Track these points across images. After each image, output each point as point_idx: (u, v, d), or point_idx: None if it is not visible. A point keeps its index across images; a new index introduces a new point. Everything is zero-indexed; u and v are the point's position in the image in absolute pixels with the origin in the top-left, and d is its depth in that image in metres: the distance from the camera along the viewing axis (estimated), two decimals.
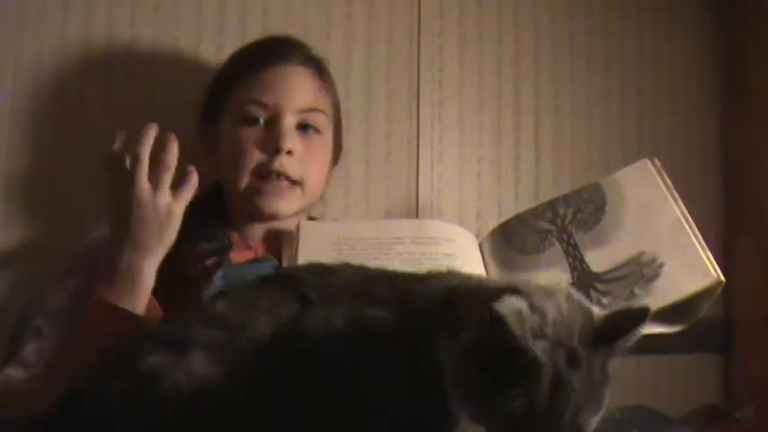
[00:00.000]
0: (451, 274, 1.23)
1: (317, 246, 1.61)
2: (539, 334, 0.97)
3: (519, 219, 1.65)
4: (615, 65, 2.34)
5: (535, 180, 2.25)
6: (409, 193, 2.14)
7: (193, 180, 1.47)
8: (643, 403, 2.12)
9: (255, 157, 1.67)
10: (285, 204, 1.69)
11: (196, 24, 1.99)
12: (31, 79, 1.88)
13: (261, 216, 1.71)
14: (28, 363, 1.62)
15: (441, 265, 1.53)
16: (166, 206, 1.44)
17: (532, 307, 1.00)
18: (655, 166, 1.59)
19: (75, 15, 1.91)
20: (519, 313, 0.97)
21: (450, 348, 1.04)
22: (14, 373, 1.61)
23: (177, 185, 1.46)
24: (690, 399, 2.33)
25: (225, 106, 1.72)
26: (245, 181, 1.67)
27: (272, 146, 1.66)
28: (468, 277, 1.24)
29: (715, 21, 2.46)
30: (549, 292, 1.04)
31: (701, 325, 1.50)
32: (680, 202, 1.53)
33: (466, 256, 1.61)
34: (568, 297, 1.05)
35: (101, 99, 1.92)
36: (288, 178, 1.67)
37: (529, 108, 2.25)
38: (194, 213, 1.72)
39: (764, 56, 2.36)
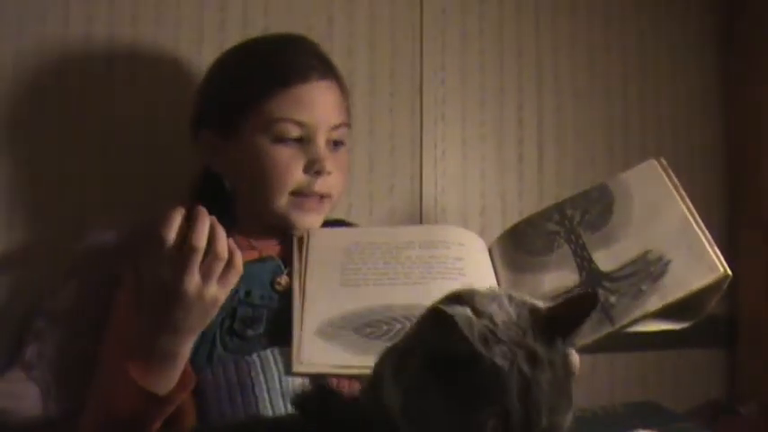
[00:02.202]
0: None
1: (328, 251, 1.62)
2: (492, 339, 0.95)
3: (527, 222, 1.67)
4: (617, 61, 2.35)
5: (538, 177, 2.25)
6: (413, 191, 2.14)
7: (239, 264, 1.41)
8: (648, 399, 2.13)
9: (295, 177, 1.64)
10: (319, 219, 1.70)
11: (197, 24, 1.98)
12: (32, 80, 1.87)
13: (292, 230, 1.70)
14: (29, 365, 1.63)
15: (451, 268, 1.55)
16: (213, 297, 1.38)
17: (477, 312, 0.97)
18: (661, 165, 1.60)
19: (77, 15, 1.90)
20: (467, 318, 0.95)
21: (399, 383, 1.01)
22: (15, 375, 1.62)
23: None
24: (694, 394, 2.35)
25: (245, 115, 1.67)
26: (283, 199, 1.66)
27: (314, 168, 1.64)
28: None
29: (718, 15, 2.46)
30: (491, 296, 1.02)
31: (706, 321, 1.51)
32: (687, 199, 1.54)
33: (475, 260, 1.62)
34: (510, 297, 1.02)
35: (102, 99, 1.91)
36: (323, 195, 1.68)
37: (531, 105, 2.25)
38: None
39: (766, 53, 2.36)
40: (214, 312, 1.40)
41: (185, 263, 1.34)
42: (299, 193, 1.66)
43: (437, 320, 0.95)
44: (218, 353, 1.51)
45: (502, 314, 0.98)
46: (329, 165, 1.65)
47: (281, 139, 1.65)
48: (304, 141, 1.66)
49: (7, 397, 1.61)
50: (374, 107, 2.12)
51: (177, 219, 1.36)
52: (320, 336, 1.48)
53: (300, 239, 1.66)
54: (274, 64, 1.70)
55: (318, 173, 1.65)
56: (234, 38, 1.89)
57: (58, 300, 1.71)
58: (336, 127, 1.69)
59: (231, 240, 1.40)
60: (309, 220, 1.68)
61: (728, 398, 2.37)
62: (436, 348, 0.95)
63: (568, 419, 0.98)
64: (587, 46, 2.31)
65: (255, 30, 1.94)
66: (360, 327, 1.48)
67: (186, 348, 1.41)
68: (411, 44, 2.15)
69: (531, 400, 0.93)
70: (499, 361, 0.93)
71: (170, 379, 1.40)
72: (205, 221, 1.36)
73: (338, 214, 1.97)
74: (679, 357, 2.34)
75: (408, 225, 2.06)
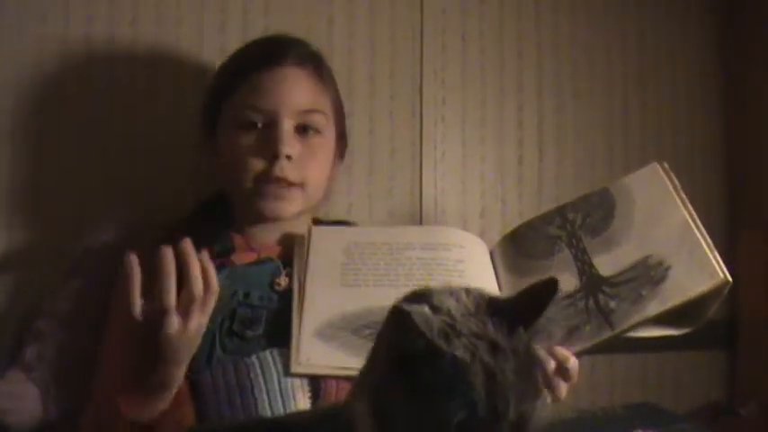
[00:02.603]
0: None
1: (328, 251, 1.62)
2: (452, 333, 0.94)
3: (529, 225, 1.67)
4: (618, 61, 2.33)
5: (538, 178, 2.24)
6: (413, 192, 2.13)
7: (215, 286, 1.36)
8: (648, 400, 2.13)
9: (255, 162, 1.64)
10: (287, 206, 1.67)
11: (197, 24, 1.97)
12: (33, 81, 1.87)
13: (264, 218, 1.69)
14: (29, 365, 1.63)
15: (451, 270, 1.55)
16: (196, 329, 1.35)
17: (434, 308, 0.97)
18: (663, 168, 1.59)
19: (77, 16, 1.90)
20: (423, 314, 0.95)
21: (367, 392, 1.01)
22: (15, 376, 1.62)
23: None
24: (694, 396, 2.34)
25: (222, 111, 1.70)
26: (246, 186, 1.65)
27: (271, 151, 1.64)
28: None
29: (718, 15, 2.45)
30: (448, 291, 1.01)
31: (706, 322, 1.50)
32: (688, 204, 1.53)
33: (476, 262, 1.62)
34: (467, 291, 1.02)
35: (103, 100, 1.91)
36: (288, 182, 1.66)
37: (531, 106, 2.24)
38: (198, 216, 1.73)
39: (766, 53, 2.36)
40: (199, 339, 1.38)
41: (161, 316, 1.31)
42: (260, 179, 1.65)
43: (394, 318, 0.96)
44: (217, 354, 1.51)
45: (460, 308, 0.98)
46: (288, 149, 1.64)
47: (244, 127, 1.66)
48: (268, 128, 1.66)
49: (7, 397, 1.61)
50: (374, 108, 2.11)
51: (137, 275, 1.32)
52: (319, 337, 1.48)
53: (302, 240, 1.66)
54: (243, 57, 1.73)
55: (275, 156, 1.63)
56: (234, 39, 1.90)
57: (58, 300, 1.71)
58: (307, 112, 1.68)
59: (205, 257, 1.36)
60: (274, 208, 1.67)
61: (728, 399, 2.37)
62: (397, 347, 0.96)
63: (537, 407, 0.97)
64: (587, 46, 2.30)
65: (256, 31, 1.93)
66: (359, 328, 1.48)
67: (177, 376, 1.39)
68: (411, 45, 2.15)
69: (497, 390, 0.92)
70: (460, 354, 0.92)
71: (162, 404, 1.39)
72: (169, 274, 1.31)
73: (338, 215, 1.98)
74: (679, 359, 2.33)
75: (408, 225, 2.06)
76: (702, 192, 2.33)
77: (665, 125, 2.37)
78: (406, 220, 2.11)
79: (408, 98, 2.14)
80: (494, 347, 0.94)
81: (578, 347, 1.43)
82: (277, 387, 1.48)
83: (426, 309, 0.97)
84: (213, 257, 1.60)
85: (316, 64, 1.74)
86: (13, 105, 1.86)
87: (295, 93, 1.68)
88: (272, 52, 1.70)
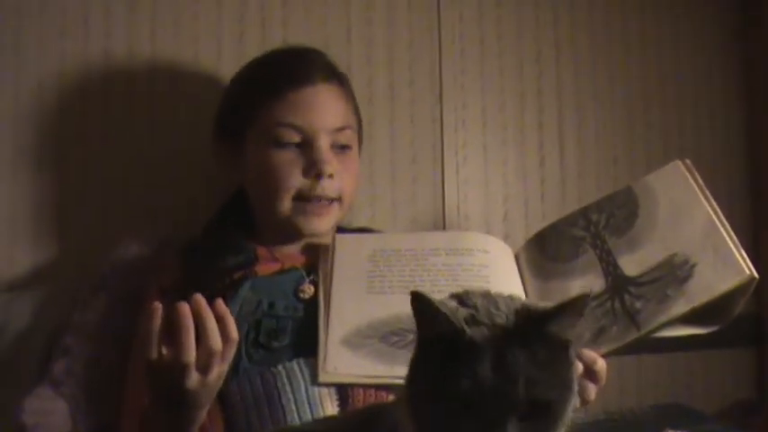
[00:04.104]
0: None
1: (353, 258, 1.62)
2: (471, 321, 0.97)
3: (553, 227, 1.66)
4: (636, 61, 2.32)
5: (561, 180, 2.24)
6: (435, 198, 2.14)
7: (233, 335, 1.32)
8: (676, 400, 2.11)
9: (296, 181, 1.65)
10: (325, 222, 1.69)
11: (216, 37, 1.99)
12: (53, 96, 1.89)
13: (301, 235, 1.71)
14: (58, 380, 1.63)
15: (477, 275, 1.54)
16: (218, 376, 1.33)
17: (463, 302, 1.01)
18: (686, 166, 1.58)
19: (96, 31, 1.92)
20: (447, 305, 0.99)
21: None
22: (45, 391, 1.62)
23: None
24: (723, 394, 2.32)
25: (249, 125, 1.70)
26: (285, 204, 1.66)
27: (314, 171, 1.65)
28: None
29: (740, 13, 2.44)
30: (481, 293, 1.04)
31: (733, 320, 1.49)
32: (712, 200, 1.52)
33: (501, 267, 1.62)
34: (511, 298, 1.05)
35: (123, 115, 1.93)
36: (328, 198, 1.67)
37: (551, 108, 2.24)
38: (217, 227, 1.73)
39: None
40: (220, 384, 1.37)
41: (180, 373, 1.30)
42: (302, 198, 1.66)
43: (412, 303, 0.99)
44: (243, 365, 1.51)
45: (488, 304, 1.01)
46: (330, 167, 1.65)
47: (280, 144, 1.66)
48: (305, 145, 1.66)
49: (36, 413, 1.61)
50: (395, 115, 2.11)
51: (155, 328, 1.29)
52: (346, 345, 1.48)
53: (326, 248, 1.66)
54: (273, 72, 1.72)
55: (319, 176, 1.65)
56: (252, 50, 1.90)
57: (86, 315, 1.71)
58: (340, 129, 1.69)
59: (220, 306, 1.33)
60: (314, 224, 1.68)
61: (758, 397, 2.35)
62: (425, 331, 1.01)
63: (564, 401, 0.99)
64: (606, 47, 2.30)
65: (274, 41, 1.94)
66: (386, 335, 1.48)
67: (200, 416, 1.39)
68: (429, 51, 2.15)
69: (506, 372, 0.95)
70: (476, 336, 0.96)
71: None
72: (187, 329, 1.29)
73: (361, 223, 1.97)
74: (707, 358, 2.31)
75: (433, 231, 2.06)
76: (725, 190, 2.31)
77: (685, 124, 2.36)
78: (429, 225, 2.11)
79: (428, 104, 2.14)
80: (510, 336, 0.97)
81: (606, 349, 1.42)
82: (305, 396, 1.47)
83: (454, 303, 1.01)
84: (236, 268, 1.62)
85: (339, 78, 1.76)
86: (34, 121, 1.88)
87: (329, 112, 1.69)
88: (300, 69, 1.71)
